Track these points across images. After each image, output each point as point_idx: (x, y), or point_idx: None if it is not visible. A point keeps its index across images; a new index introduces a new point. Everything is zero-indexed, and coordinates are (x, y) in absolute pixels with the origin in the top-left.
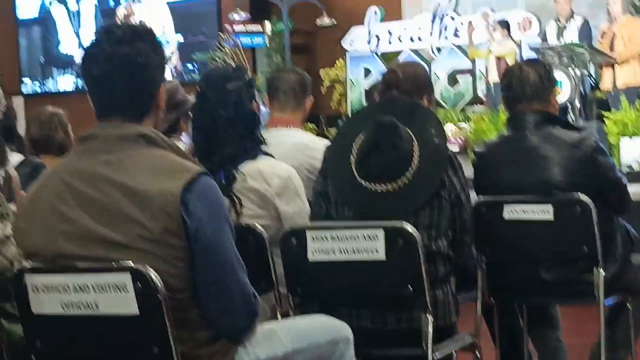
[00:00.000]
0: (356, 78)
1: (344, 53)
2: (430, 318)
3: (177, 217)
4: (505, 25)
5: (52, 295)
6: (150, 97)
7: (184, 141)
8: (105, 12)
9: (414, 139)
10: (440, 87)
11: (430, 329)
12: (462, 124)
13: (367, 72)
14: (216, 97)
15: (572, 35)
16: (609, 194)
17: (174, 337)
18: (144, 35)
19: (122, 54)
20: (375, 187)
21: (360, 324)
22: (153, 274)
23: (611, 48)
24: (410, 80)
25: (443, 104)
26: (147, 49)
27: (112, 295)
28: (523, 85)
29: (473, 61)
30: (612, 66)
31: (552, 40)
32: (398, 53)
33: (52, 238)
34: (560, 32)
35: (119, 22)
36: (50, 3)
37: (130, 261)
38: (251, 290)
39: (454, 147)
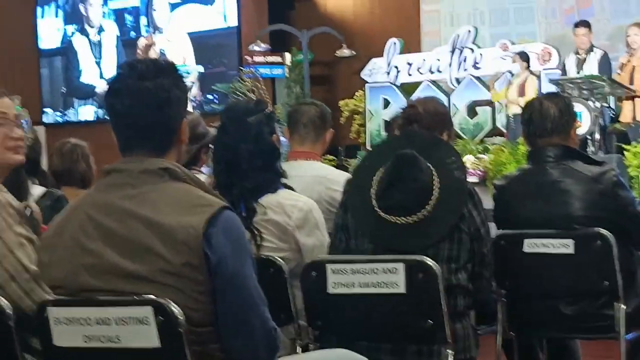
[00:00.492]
0: (375, 109)
1: (363, 84)
2: (450, 352)
3: (200, 251)
4: (524, 57)
5: (74, 327)
6: (172, 132)
7: (204, 173)
8: (126, 42)
9: (434, 172)
10: (460, 118)
11: None
12: (482, 156)
13: (387, 103)
14: (237, 130)
15: (591, 67)
16: (629, 228)
17: None
18: (166, 69)
19: (144, 89)
20: (395, 219)
21: (380, 358)
22: (175, 308)
23: (631, 80)
24: (431, 115)
25: (462, 135)
26: (169, 84)
27: (134, 328)
28: (544, 120)
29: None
30: (632, 99)
31: (572, 72)
32: (417, 84)
33: (75, 271)
34: (579, 64)
35: (139, 52)
36: (72, 34)
37: (152, 294)
38: (272, 324)
39: (473, 179)
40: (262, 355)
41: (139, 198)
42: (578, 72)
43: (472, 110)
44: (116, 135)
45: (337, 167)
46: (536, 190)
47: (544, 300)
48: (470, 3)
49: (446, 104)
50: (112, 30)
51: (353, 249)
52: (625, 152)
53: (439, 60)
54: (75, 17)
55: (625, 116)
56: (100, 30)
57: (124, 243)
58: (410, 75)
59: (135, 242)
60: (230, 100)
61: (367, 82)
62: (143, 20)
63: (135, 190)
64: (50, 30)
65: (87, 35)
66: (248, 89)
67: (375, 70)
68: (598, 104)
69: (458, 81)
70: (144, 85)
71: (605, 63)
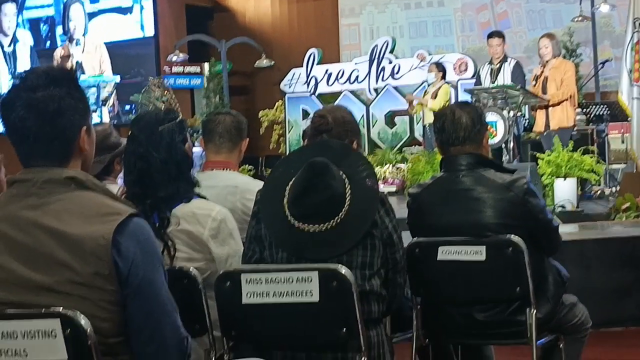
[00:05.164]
0: (295, 119)
1: (282, 94)
2: (364, 359)
3: (109, 260)
4: (441, 67)
5: None
6: (68, 142)
7: (119, 183)
8: (41, 52)
9: (346, 180)
10: (378, 128)
11: None
12: (400, 165)
13: (306, 113)
14: (148, 139)
15: (505, 77)
16: (540, 235)
17: None
18: (60, 79)
19: (35, 101)
20: (308, 227)
21: None
22: (83, 319)
23: (544, 90)
24: (340, 125)
25: (381, 144)
26: (61, 93)
27: (41, 342)
28: (455, 129)
29: (410, 102)
30: (545, 108)
31: (486, 82)
32: (336, 94)
33: None
34: (493, 74)
35: (55, 64)
36: None
37: (60, 307)
38: (184, 332)
39: (391, 188)
40: None
41: (44, 208)
42: (492, 82)
43: (390, 120)
44: (14, 147)
45: (256, 177)
46: (449, 198)
47: (457, 307)
48: (389, 17)
49: (365, 113)
50: (26, 40)
51: (267, 259)
52: (538, 161)
53: (357, 70)
54: None
55: (539, 125)
56: (15, 40)
57: (30, 254)
58: (329, 85)
59: (41, 253)
60: (139, 110)
61: (286, 93)
62: (59, 30)
63: (40, 200)
64: None
65: (0, 45)
66: (158, 98)
67: (294, 81)
68: (512, 113)
69: (377, 91)
70: (35, 96)
71: (518, 72)
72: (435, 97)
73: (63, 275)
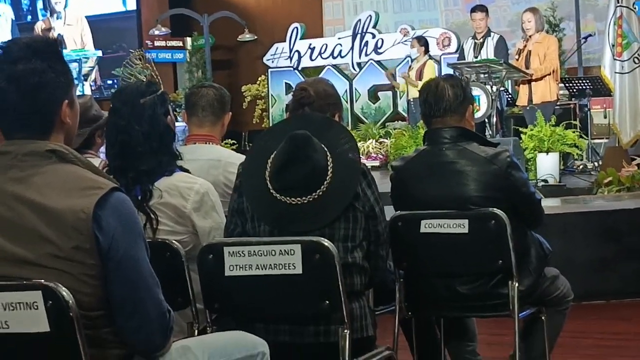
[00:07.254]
0: (278, 93)
1: (265, 69)
2: (347, 332)
3: (90, 234)
4: (422, 41)
5: None
6: (50, 115)
7: (101, 157)
8: (22, 26)
9: (327, 152)
10: (362, 102)
11: (348, 343)
12: (384, 140)
13: (289, 87)
14: (130, 112)
15: (489, 52)
16: (522, 209)
17: (86, 354)
18: (42, 51)
19: (16, 74)
20: (290, 200)
21: (278, 339)
22: (65, 292)
23: (527, 65)
24: (322, 97)
25: (364, 119)
26: (43, 66)
27: (23, 313)
28: (439, 101)
29: (392, 75)
30: (529, 82)
31: (470, 57)
32: (319, 69)
33: None
34: (477, 48)
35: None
36: None
37: (42, 279)
38: (166, 306)
39: (375, 163)
40: (155, 337)
41: (26, 181)
42: (476, 57)
43: (374, 95)
44: None
45: (239, 152)
46: (432, 171)
47: (440, 280)
48: None
49: (348, 88)
50: (7, 14)
51: (249, 232)
52: (521, 135)
53: (340, 45)
54: None
55: (522, 99)
56: None
57: (11, 228)
58: (312, 60)
59: (23, 227)
60: (121, 83)
61: (270, 67)
62: (40, 4)
63: (22, 173)
64: None
65: None
66: (140, 72)
67: (277, 55)
68: (495, 88)
69: (360, 66)
70: (17, 68)
71: (501, 47)
72: (421, 79)
73: (45, 249)
